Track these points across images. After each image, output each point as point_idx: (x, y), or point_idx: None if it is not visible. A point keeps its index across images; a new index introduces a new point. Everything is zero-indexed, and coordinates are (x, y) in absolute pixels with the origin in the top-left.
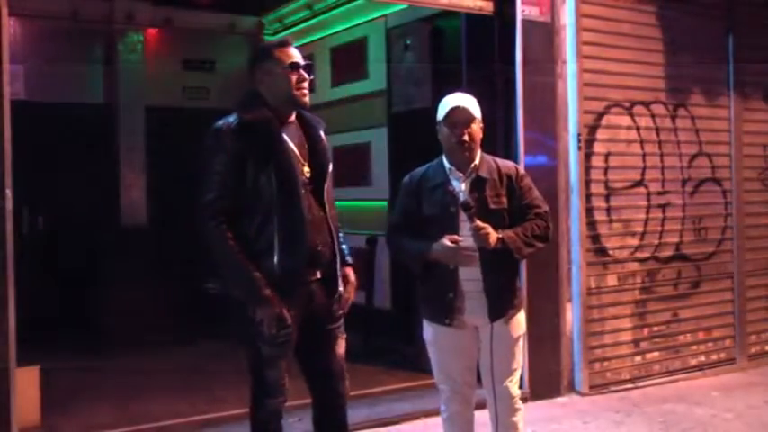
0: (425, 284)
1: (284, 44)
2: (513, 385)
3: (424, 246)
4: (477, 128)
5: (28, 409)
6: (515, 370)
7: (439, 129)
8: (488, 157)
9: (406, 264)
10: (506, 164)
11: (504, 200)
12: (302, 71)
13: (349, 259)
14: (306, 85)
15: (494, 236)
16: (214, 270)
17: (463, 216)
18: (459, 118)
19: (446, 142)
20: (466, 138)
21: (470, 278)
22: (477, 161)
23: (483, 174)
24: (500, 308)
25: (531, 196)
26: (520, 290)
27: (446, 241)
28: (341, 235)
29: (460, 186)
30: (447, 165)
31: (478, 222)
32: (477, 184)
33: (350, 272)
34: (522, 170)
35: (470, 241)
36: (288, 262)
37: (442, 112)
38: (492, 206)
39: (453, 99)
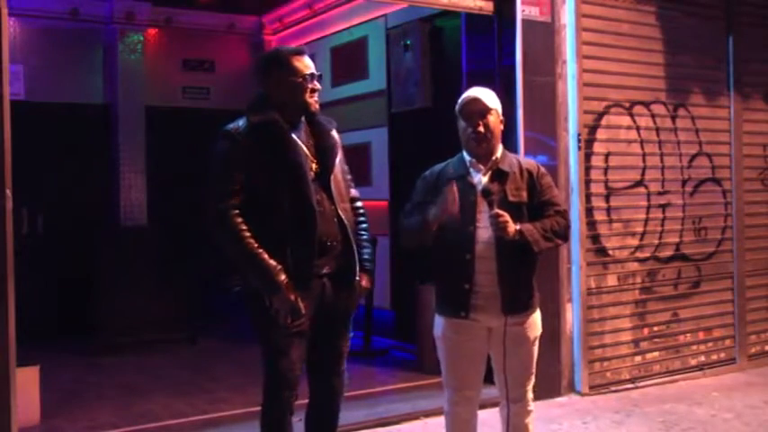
0: (441, 277)
1: (300, 53)
2: (529, 389)
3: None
4: (494, 120)
5: (28, 409)
6: (532, 373)
7: (458, 123)
8: (510, 154)
9: (414, 241)
10: (528, 161)
11: (525, 194)
12: (315, 82)
13: (367, 265)
14: (317, 94)
15: (512, 226)
16: (234, 268)
17: (482, 207)
18: (473, 109)
19: (463, 136)
20: (481, 129)
21: (486, 271)
22: (498, 154)
23: (504, 167)
24: (514, 304)
25: (550, 194)
26: (535, 288)
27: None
28: (365, 236)
29: (481, 178)
30: (467, 158)
31: (498, 210)
32: (498, 177)
33: (363, 277)
34: (542, 168)
35: (488, 231)
36: (299, 253)
37: (458, 106)
38: (511, 198)
39: (470, 92)
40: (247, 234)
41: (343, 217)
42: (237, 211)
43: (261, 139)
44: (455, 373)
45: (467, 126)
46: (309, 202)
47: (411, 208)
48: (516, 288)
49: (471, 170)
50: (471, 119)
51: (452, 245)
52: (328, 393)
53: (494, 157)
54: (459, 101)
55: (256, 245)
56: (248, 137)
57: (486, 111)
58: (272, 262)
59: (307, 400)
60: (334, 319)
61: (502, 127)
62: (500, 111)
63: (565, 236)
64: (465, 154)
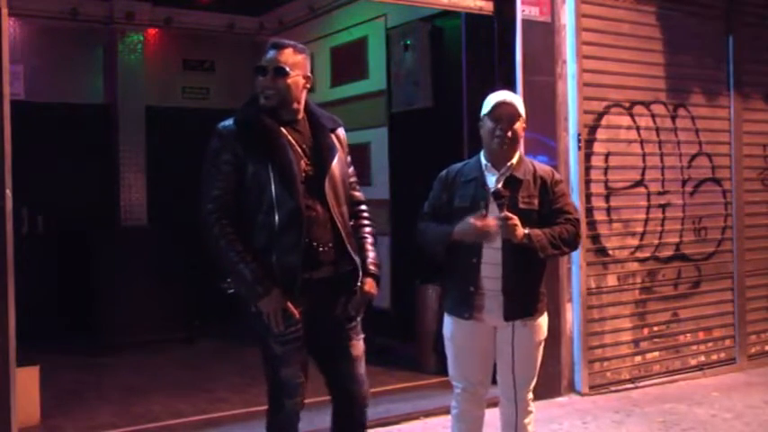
0: (449, 278)
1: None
2: (530, 389)
3: (449, 227)
4: (520, 126)
5: (28, 409)
6: (534, 375)
7: (482, 123)
8: (527, 159)
9: (430, 249)
10: (543, 167)
11: (536, 201)
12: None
13: (372, 269)
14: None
15: (521, 229)
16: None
17: (492, 212)
18: (504, 112)
19: (487, 136)
20: (509, 134)
21: (491, 276)
22: (514, 160)
23: (518, 174)
24: (516, 310)
25: (563, 202)
26: (543, 294)
27: (471, 219)
28: (369, 240)
29: (494, 183)
30: (484, 161)
31: (507, 213)
32: (512, 184)
33: (366, 282)
34: (558, 175)
35: (496, 237)
36: (285, 258)
37: (487, 107)
38: (522, 205)
39: (500, 94)
40: (231, 237)
41: (337, 221)
42: (223, 213)
43: (247, 136)
44: (463, 371)
45: (495, 127)
46: (297, 204)
47: (428, 211)
48: (520, 295)
49: (486, 173)
50: (501, 120)
51: (460, 247)
52: (347, 400)
53: (509, 163)
54: (490, 102)
55: (240, 249)
56: (236, 134)
57: (516, 116)
58: (254, 267)
59: (317, 399)
60: (336, 326)
61: (523, 135)
62: (525, 119)
63: (574, 244)
64: (482, 157)
